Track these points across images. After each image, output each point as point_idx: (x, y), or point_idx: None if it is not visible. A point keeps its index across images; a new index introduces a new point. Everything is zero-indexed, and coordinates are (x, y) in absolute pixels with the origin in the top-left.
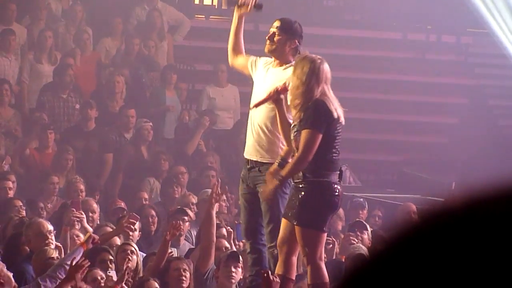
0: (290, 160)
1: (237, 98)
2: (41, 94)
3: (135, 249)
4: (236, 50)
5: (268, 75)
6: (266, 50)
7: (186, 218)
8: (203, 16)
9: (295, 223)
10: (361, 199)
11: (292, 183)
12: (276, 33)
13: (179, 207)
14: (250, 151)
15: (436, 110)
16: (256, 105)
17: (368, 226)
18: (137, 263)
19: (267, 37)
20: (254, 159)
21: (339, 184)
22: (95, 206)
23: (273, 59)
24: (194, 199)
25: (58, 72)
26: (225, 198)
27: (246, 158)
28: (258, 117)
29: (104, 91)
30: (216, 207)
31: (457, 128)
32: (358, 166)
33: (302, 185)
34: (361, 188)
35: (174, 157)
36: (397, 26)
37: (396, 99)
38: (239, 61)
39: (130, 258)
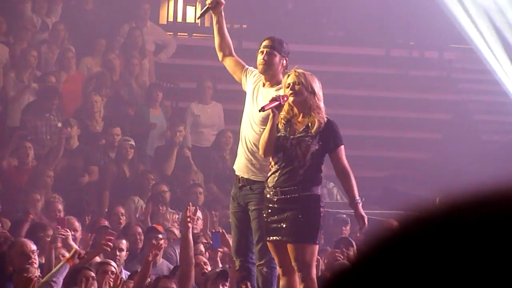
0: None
1: (221, 115)
2: (23, 113)
3: (115, 268)
4: (224, 48)
5: (260, 95)
6: (261, 71)
7: (160, 236)
8: (186, 34)
9: (289, 240)
10: (344, 215)
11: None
12: (271, 53)
13: (150, 225)
14: (242, 169)
15: (420, 126)
16: (264, 109)
17: (354, 243)
18: (119, 281)
19: (262, 58)
20: (246, 177)
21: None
22: (77, 224)
23: (263, 76)
24: (177, 217)
25: (42, 91)
26: (200, 216)
27: (237, 176)
28: (252, 136)
29: (83, 111)
30: (192, 229)
31: (441, 144)
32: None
33: (292, 201)
34: (346, 204)
35: (159, 175)
36: (380, 42)
37: (380, 115)
38: (231, 64)
39: (111, 278)
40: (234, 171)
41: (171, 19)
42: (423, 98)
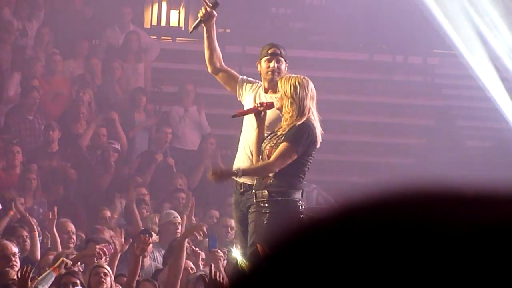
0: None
1: (203, 119)
2: (7, 115)
3: (108, 271)
4: (215, 61)
5: (262, 100)
6: (270, 78)
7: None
8: (170, 38)
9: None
10: None
11: (254, 204)
12: (279, 61)
13: (143, 228)
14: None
15: (403, 131)
16: (237, 115)
17: None
18: (111, 285)
19: (272, 66)
20: (249, 183)
21: (302, 201)
22: (72, 227)
23: (258, 83)
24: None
25: (23, 94)
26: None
27: (237, 182)
28: (252, 142)
29: (68, 113)
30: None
31: (424, 149)
32: (324, 187)
33: (267, 204)
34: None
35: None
36: (363, 48)
37: (363, 120)
38: (223, 75)
39: (104, 280)
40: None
41: (155, 23)
42: (406, 103)
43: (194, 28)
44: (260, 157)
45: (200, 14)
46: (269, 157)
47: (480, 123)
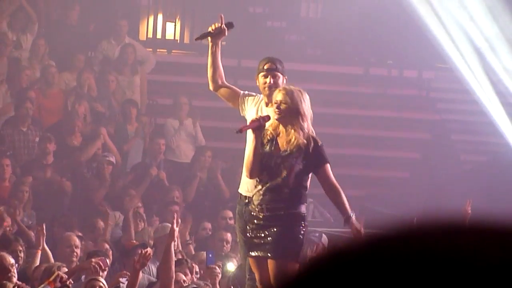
0: None
1: (198, 132)
2: (2, 127)
3: (104, 284)
4: (217, 79)
5: (264, 114)
6: (267, 93)
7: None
8: (165, 50)
9: (272, 256)
10: (317, 234)
11: (259, 217)
12: (275, 76)
13: (137, 242)
14: (249, 188)
15: (398, 145)
16: (242, 130)
17: None
18: None
19: (268, 81)
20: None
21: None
22: (78, 241)
23: (259, 96)
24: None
25: (17, 105)
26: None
27: (241, 195)
28: (248, 155)
29: (63, 125)
30: (176, 243)
31: (419, 163)
32: (319, 200)
33: (278, 218)
34: (322, 223)
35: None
36: (359, 61)
37: (358, 134)
38: (225, 92)
39: None
40: (213, 187)
41: (150, 35)
42: (401, 117)
43: (200, 37)
44: (267, 173)
45: (211, 28)
46: (289, 173)
47: (475, 137)
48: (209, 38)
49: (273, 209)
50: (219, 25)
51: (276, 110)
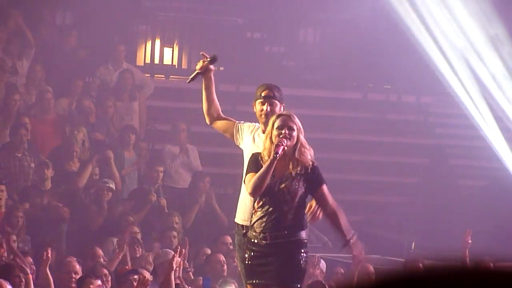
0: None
1: (196, 157)
2: None
3: None
4: (213, 113)
5: (261, 142)
6: (264, 121)
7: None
8: (163, 76)
9: (274, 283)
10: (315, 260)
11: (260, 245)
12: (272, 103)
13: (127, 268)
14: (245, 217)
15: (396, 170)
16: (277, 154)
17: (326, 286)
18: None
19: (265, 109)
20: (247, 224)
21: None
22: (78, 267)
23: (255, 125)
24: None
25: (12, 131)
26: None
27: (238, 225)
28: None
29: (61, 151)
30: (176, 271)
31: (417, 188)
32: (317, 225)
33: (280, 245)
34: (320, 248)
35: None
36: (357, 86)
37: (356, 159)
38: (221, 124)
39: None
40: (210, 212)
41: (148, 60)
42: (399, 142)
43: (192, 79)
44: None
45: (198, 66)
46: (293, 198)
47: (474, 162)
48: (200, 76)
49: (275, 236)
50: (204, 62)
51: (288, 136)
